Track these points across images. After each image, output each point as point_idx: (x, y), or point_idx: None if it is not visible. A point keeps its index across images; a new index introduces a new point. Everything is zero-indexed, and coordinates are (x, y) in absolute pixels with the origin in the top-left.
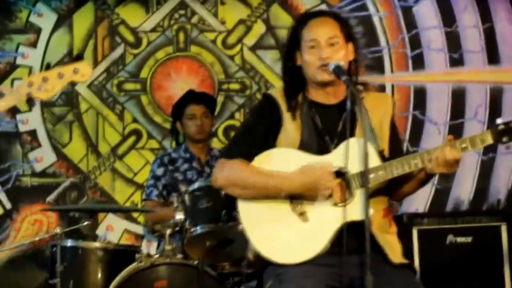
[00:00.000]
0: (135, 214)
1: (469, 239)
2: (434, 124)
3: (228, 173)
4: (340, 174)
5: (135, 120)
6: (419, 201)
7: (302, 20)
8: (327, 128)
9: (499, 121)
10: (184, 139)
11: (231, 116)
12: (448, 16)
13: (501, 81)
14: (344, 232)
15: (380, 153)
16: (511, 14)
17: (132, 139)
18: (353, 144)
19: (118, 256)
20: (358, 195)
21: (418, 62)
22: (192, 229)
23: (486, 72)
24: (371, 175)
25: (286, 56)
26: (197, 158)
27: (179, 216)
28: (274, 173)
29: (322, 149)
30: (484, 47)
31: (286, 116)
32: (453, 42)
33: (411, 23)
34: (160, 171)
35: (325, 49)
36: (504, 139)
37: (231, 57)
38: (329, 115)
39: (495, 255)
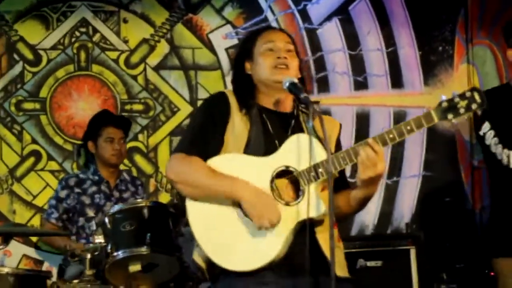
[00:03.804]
0: (33, 239)
1: (379, 263)
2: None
3: (183, 170)
4: (287, 172)
5: (34, 141)
6: None
7: (256, 31)
8: (277, 133)
9: (443, 97)
10: (92, 161)
11: (135, 138)
12: (352, 39)
13: (404, 104)
14: (307, 227)
15: None
16: (414, 39)
17: (31, 160)
18: (298, 141)
19: (29, 282)
20: (308, 192)
21: (323, 85)
22: (114, 253)
23: (389, 96)
24: (320, 170)
25: (237, 69)
26: (106, 181)
27: (99, 240)
28: (229, 178)
29: (270, 150)
30: (387, 70)
31: (235, 112)
32: (358, 65)
33: (315, 45)
34: (63, 193)
35: (283, 51)
36: (449, 116)
37: (134, 77)
38: (278, 120)
39: (405, 278)
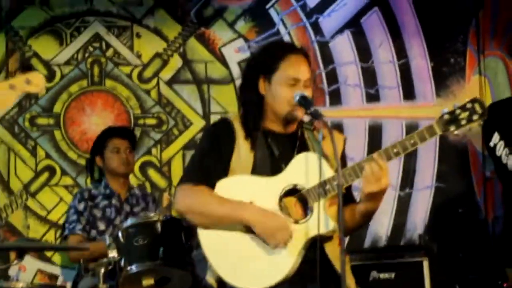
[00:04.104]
0: (48, 254)
1: (392, 275)
2: (351, 160)
3: (192, 201)
4: (295, 191)
5: (48, 156)
6: None
7: (279, 50)
8: (282, 156)
9: (444, 110)
10: (102, 175)
11: (148, 152)
12: (364, 52)
13: (416, 116)
14: (318, 243)
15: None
16: (425, 50)
17: (45, 175)
18: (304, 159)
19: None
20: (317, 209)
21: (335, 98)
22: (128, 268)
23: (401, 108)
24: (327, 186)
25: (249, 82)
26: (117, 195)
27: (112, 254)
28: (237, 204)
29: (277, 173)
30: (399, 82)
31: (240, 139)
32: (369, 78)
33: (327, 58)
34: (81, 206)
35: (303, 89)
36: (451, 128)
37: (147, 92)
38: (284, 143)
39: None
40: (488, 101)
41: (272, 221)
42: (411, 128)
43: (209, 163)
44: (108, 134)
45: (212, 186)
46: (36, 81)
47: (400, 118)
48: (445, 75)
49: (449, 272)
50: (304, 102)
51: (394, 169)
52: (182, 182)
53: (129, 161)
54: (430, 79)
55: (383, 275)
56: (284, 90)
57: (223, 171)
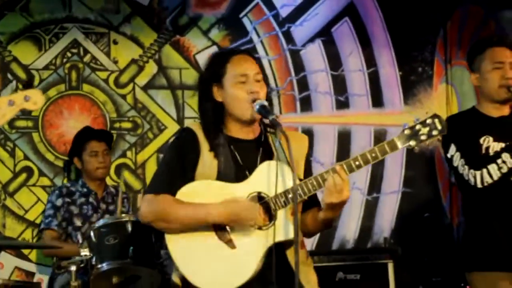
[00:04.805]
0: (26, 251)
1: (358, 276)
2: (321, 165)
3: (156, 209)
4: (259, 198)
5: (26, 157)
6: (306, 239)
7: (223, 56)
8: (246, 163)
9: (405, 125)
10: (79, 175)
11: (123, 155)
12: (334, 60)
13: (384, 123)
14: (274, 252)
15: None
16: (394, 59)
17: (23, 176)
18: (268, 168)
19: None
20: (279, 216)
21: (306, 104)
22: (99, 266)
23: (370, 115)
24: (290, 195)
25: (204, 93)
26: (94, 193)
27: (85, 252)
28: (199, 205)
29: (241, 180)
30: (368, 90)
31: (204, 147)
32: (339, 85)
33: (299, 66)
34: (59, 202)
35: (254, 83)
36: (412, 143)
37: (123, 96)
38: (247, 150)
39: None
40: (454, 109)
41: (235, 210)
42: (379, 135)
43: (174, 174)
44: (86, 136)
45: (175, 194)
46: (34, 99)
47: (368, 125)
48: (413, 84)
49: (413, 274)
50: (263, 111)
51: (362, 174)
52: (146, 192)
53: (106, 165)
54: (398, 87)
55: (349, 276)
56: (236, 89)
57: (188, 181)
